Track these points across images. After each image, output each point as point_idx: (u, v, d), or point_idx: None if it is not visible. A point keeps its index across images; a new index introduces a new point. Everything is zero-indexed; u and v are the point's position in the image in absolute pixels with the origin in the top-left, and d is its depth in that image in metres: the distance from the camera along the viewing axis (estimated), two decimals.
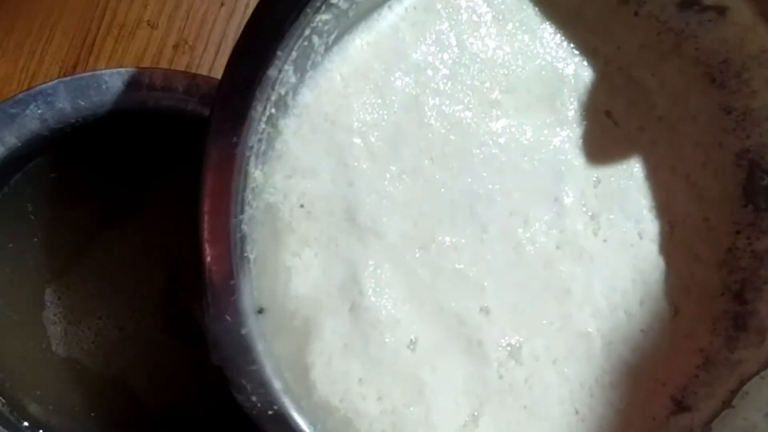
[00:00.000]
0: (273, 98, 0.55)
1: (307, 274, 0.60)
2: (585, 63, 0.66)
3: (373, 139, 0.62)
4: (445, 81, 0.62)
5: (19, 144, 0.63)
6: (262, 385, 0.53)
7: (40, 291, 0.68)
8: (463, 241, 0.64)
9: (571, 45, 0.65)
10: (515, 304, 0.64)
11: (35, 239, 0.68)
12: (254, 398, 0.53)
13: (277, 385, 0.54)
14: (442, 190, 0.63)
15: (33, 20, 0.74)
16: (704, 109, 0.67)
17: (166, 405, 0.68)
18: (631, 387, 0.64)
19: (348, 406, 0.60)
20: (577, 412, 0.65)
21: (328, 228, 0.61)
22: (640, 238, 0.66)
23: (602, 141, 0.65)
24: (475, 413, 0.63)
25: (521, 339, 0.64)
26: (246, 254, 0.56)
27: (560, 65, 0.65)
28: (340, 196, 0.61)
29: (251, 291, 0.55)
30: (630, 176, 0.66)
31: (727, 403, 0.65)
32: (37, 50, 0.75)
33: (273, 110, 0.56)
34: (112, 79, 0.63)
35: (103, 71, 0.63)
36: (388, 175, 0.62)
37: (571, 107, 0.65)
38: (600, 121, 0.66)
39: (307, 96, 0.60)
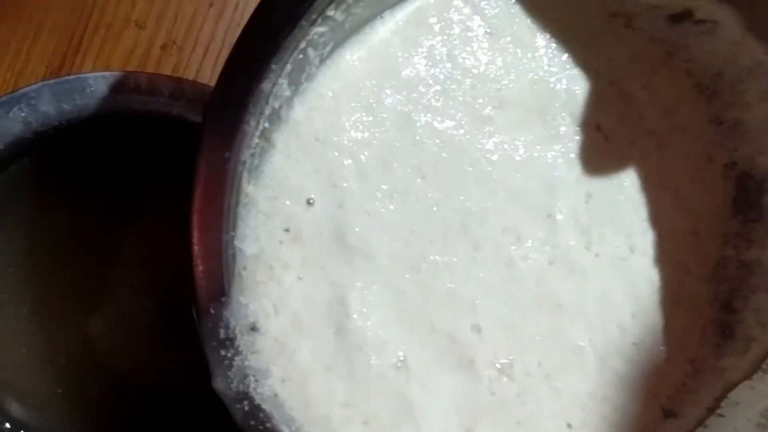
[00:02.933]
0: (267, 112, 0.49)
1: (287, 298, 0.53)
2: (576, 76, 0.60)
3: (363, 159, 0.55)
4: (437, 97, 0.57)
5: (1, 147, 0.58)
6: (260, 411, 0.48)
7: (22, 291, 0.62)
8: (455, 259, 0.57)
9: (563, 58, 0.60)
10: (507, 321, 0.58)
11: (16, 240, 0.62)
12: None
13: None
14: (434, 208, 0.57)
15: (19, 18, 0.67)
16: (693, 121, 0.62)
17: (152, 407, 0.64)
18: (623, 400, 0.60)
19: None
20: (569, 426, 0.59)
21: (316, 251, 0.55)
22: (632, 251, 0.61)
23: (594, 155, 0.60)
24: (468, 430, 0.56)
25: (513, 355, 0.58)
26: (238, 270, 0.50)
27: (552, 79, 0.59)
28: (328, 218, 0.55)
29: (244, 308, 0.49)
30: (621, 190, 0.60)
31: (711, 410, 0.60)
32: (24, 49, 0.68)
33: (267, 124, 0.50)
34: (97, 83, 0.58)
35: (88, 74, 0.58)
36: (379, 195, 0.55)
37: (563, 122, 0.59)
38: (591, 135, 0.60)
39: (298, 111, 0.54)
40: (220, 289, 0.46)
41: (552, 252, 0.59)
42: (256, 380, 0.48)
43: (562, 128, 0.59)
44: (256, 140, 0.49)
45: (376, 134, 0.56)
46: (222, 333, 0.46)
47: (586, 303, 0.60)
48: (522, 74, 0.59)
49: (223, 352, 0.46)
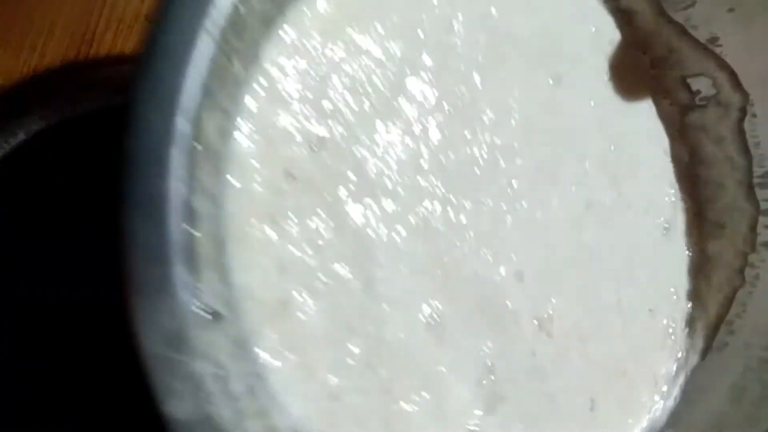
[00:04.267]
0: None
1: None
2: None
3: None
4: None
5: None
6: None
7: None
8: (489, 200, 0.49)
9: None
10: (548, 269, 0.50)
11: None
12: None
13: None
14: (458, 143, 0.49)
15: (32, 17, 0.64)
16: None
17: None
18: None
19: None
20: (593, 403, 0.51)
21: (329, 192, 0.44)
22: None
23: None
24: (494, 401, 0.47)
25: (553, 310, 0.50)
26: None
27: None
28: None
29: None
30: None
31: None
32: (38, 45, 0.64)
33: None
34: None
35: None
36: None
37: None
38: None
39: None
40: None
41: (587, 195, 0.52)
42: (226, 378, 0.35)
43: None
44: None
45: None
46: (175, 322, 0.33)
47: (618, 255, 0.53)
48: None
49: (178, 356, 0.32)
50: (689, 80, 0.56)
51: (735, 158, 0.55)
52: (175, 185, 0.34)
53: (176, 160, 0.34)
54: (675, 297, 0.53)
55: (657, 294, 0.53)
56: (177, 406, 0.32)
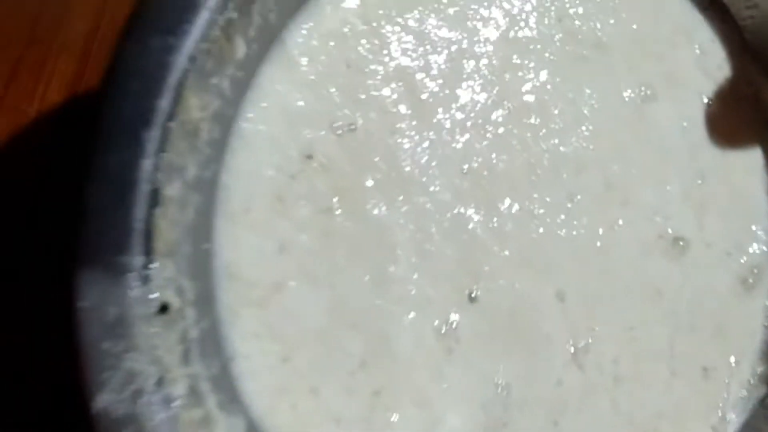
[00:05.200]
0: None
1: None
2: None
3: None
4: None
5: None
6: None
7: None
8: (541, 210, 0.43)
9: None
10: (595, 296, 0.43)
11: None
12: None
13: None
14: (515, 142, 0.43)
15: (34, 40, 0.58)
16: None
17: None
18: None
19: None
20: None
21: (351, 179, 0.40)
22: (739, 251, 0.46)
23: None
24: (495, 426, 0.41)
25: (592, 340, 0.43)
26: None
27: None
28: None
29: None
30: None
31: None
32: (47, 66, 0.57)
33: None
34: None
35: None
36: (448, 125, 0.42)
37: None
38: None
39: None
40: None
41: (662, 225, 0.45)
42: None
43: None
44: None
45: None
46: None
47: (683, 298, 0.45)
48: None
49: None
50: None
51: None
52: (146, 166, 0.30)
53: (151, 141, 0.31)
54: (731, 364, 0.44)
55: (718, 353, 0.45)
56: (103, 402, 0.29)
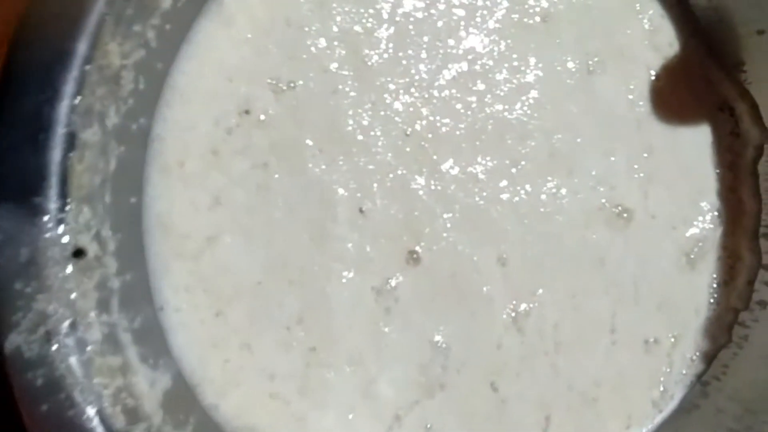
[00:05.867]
0: None
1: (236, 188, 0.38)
2: None
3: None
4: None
5: None
6: None
7: None
8: (483, 176, 0.42)
9: None
10: (538, 262, 0.43)
11: None
12: None
13: None
14: (459, 106, 0.43)
15: None
16: None
17: None
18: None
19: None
20: (548, 420, 0.42)
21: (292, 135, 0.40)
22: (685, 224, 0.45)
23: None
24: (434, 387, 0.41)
25: (532, 304, 0.42)
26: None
27: None
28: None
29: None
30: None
31: None
32: None
33: None
34: None
35: None
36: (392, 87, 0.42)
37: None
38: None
39: None
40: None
41: (606, 195, 0.44)
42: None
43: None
44: None
45: None
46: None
47: (626, 269, 0.44)
48: None
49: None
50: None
51: (745, 201, 0.44)
52: (62, 108, 0.29)
53: (66, 84, 0.30)
54: (673, 339, 0.43)
55: (660, 327, 0.44)
56: (15, 342, 0.28)
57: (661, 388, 0.43)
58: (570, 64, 0.43)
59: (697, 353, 0.43)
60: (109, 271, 0.31)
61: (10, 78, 0.28)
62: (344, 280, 0.38)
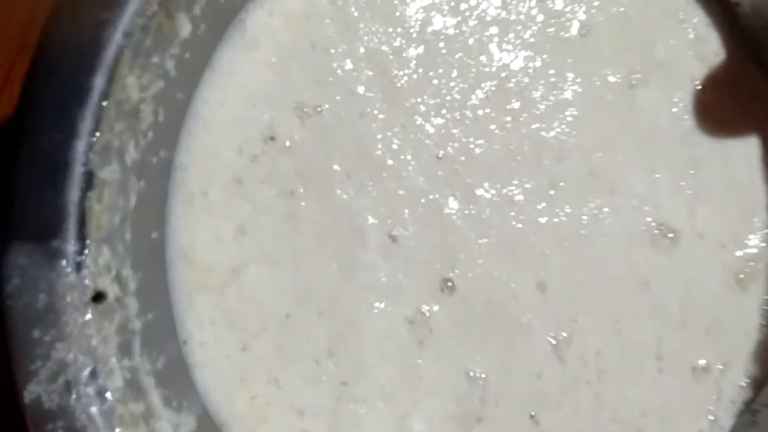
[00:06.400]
0: None
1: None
2: None
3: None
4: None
5: None
6: None
7: None
8: (520, 197, 0.40)
9: None
10: (579, 286, 0.40)
11: None
12: None
13: None
14: (496, 129, 0.40)
15: None
16: None
17: None
18: None
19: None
20: None
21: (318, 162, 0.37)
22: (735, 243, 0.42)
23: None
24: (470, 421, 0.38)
25: (574, 332, 0.40)
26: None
27: None
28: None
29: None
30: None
31: None
32: None
33: None
34: None
35: None
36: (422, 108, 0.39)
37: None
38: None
39: None
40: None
41: (651, 214, 0.41)
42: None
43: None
44: None
45: None
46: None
47: (673, 291, 0.41)
48: None
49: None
50: None
51: None
52: (79, 146, 0.28)
53: (84, 120, 0.28)
54: (723, 365, 0.41)
55: (709, 353, 0.41)
56: (35, 392, 0.27)
57: (711, 417, 0.40)
58: (610, 79, 0.40)
59: (747, 380, 0.40)
60: (131, 312, 0.30)
61: (25, 115, 0.27)
62: (375, 311, 0.36)
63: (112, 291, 0.29)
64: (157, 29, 0.30)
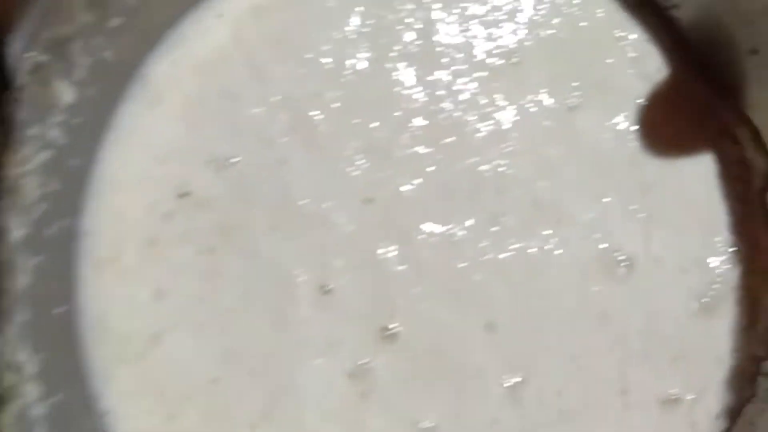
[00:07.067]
0: None
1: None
2: None
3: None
4: None
5: None
6: None
7: None
8: (461, 232, 0.38)
9: None
10: (532, 324, 0.38)
11: None
12: None
13: None
14: (431, 168, 0.39)
15: None
16: None
17: None
18: None
19: None
20: None
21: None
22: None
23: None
24: None
25: (529, 373, 0.38)
26: None
27: None
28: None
29: None
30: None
31: None
32: None
33: None
34: None
35: None
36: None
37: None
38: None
39: None
40: None
41: (602, 242, 0.39)
42: None
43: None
44: None
45: None
46: None
47: (633, 321, 0.39)
48: None
49: None
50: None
51: (759, 236, 0.40)
52: None
53: None
54: (694, 396, 0.39)
55: (678, 383, 0.39)
56: None
57: None
58: (546, 103, 0.39)
59: (721, 410, 0.37)
60: (28, 399, 0.27)
61: None
62: (312, 367, 0.36)
63: (5, 379, 0.26)
64: (30, 101, 0.28)
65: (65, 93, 0.32)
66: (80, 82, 0.33)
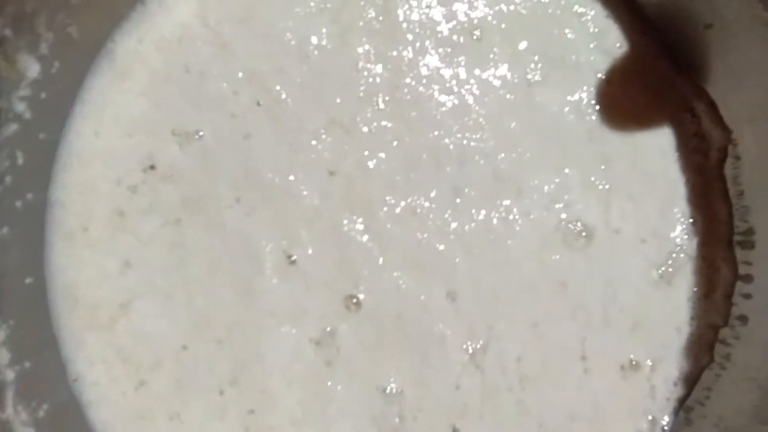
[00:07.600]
0: None
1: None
2: None
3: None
4: None
5: None
6: None
7: None
8: (426, 204, 0.39)
9: None
10: (492, 292, 0.39)
11: None
12: None
13: None
14: (395, 143, 0.39)
15: None
16: None
17: None
18: None
19: None
20: None
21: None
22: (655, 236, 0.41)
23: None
24: None
25: (489, 339, 0.39)
26: None
27: None
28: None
29: None
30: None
31: None
32: None
33: None
34: None
35: None
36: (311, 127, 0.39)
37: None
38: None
39: None
40: None
41: (562, 213, 0.40)
42: None
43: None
44: None
45: None
46: None
47: (592, 290, 0.40)
48: None
49: None
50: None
51: (716, 207, 0.39)
52: None
53: None
54: (652, 362, 0.40)
55: (638, 350, 0.40)
56: None
57: (649, 417, 0.39)
58: (508, 78, 0.39)
59: (679, 376, 0.37)
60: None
61: None
62: (278, 335, 0.37)
63: None
64: None
65: (30, 67, 0.33)
66: (45, 57, 0.33)
